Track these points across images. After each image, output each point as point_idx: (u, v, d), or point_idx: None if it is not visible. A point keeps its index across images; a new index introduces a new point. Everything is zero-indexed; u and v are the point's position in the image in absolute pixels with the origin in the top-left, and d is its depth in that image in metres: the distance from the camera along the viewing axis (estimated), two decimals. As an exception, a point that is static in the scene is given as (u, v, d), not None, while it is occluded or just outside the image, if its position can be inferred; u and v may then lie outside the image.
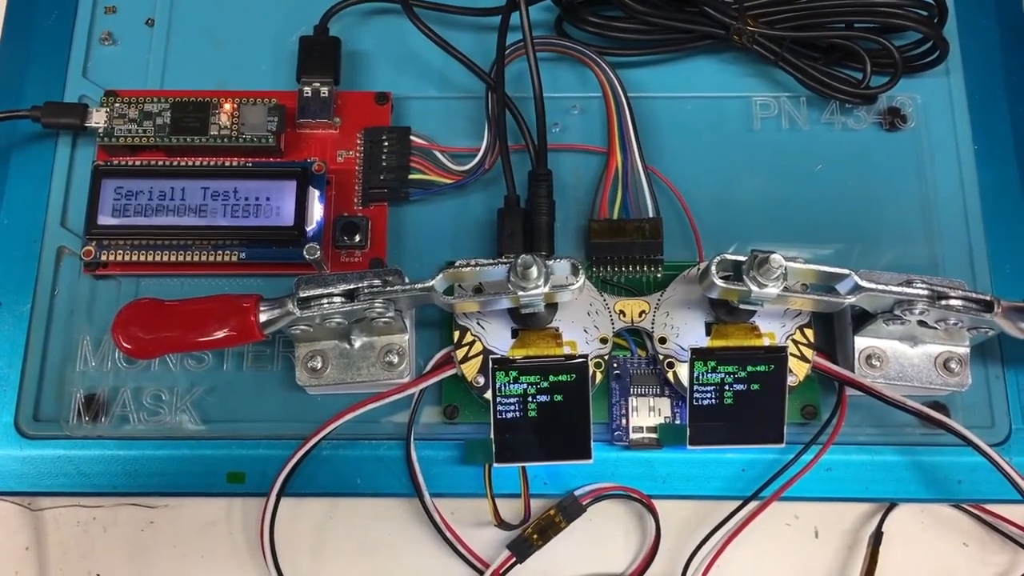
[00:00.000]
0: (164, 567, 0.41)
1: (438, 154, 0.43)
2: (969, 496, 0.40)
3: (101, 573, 0.41)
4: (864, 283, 0.35)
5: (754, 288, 0.34)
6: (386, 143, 0.43)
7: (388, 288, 0.35)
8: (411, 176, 0.42)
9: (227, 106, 0.42)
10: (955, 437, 0.37)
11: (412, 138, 0.43)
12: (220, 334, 0.36)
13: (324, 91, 0.43)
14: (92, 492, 0.40)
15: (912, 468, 0.40)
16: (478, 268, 0.35)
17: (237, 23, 0.46)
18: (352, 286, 0.35)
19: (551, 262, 0.35)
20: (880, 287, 0.35)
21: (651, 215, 0.41)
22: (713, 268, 0.35)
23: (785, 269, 0.34)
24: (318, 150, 0.43)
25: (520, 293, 0.34)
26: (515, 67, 0.44)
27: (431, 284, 0.35)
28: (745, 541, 0.39)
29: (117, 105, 0.42)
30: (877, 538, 0.41)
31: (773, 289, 0.34)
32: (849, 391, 0.39)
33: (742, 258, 0.35)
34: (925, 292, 0.35)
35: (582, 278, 0.35)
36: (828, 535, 0.42)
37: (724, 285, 0.35)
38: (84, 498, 0.41)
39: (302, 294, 0.35)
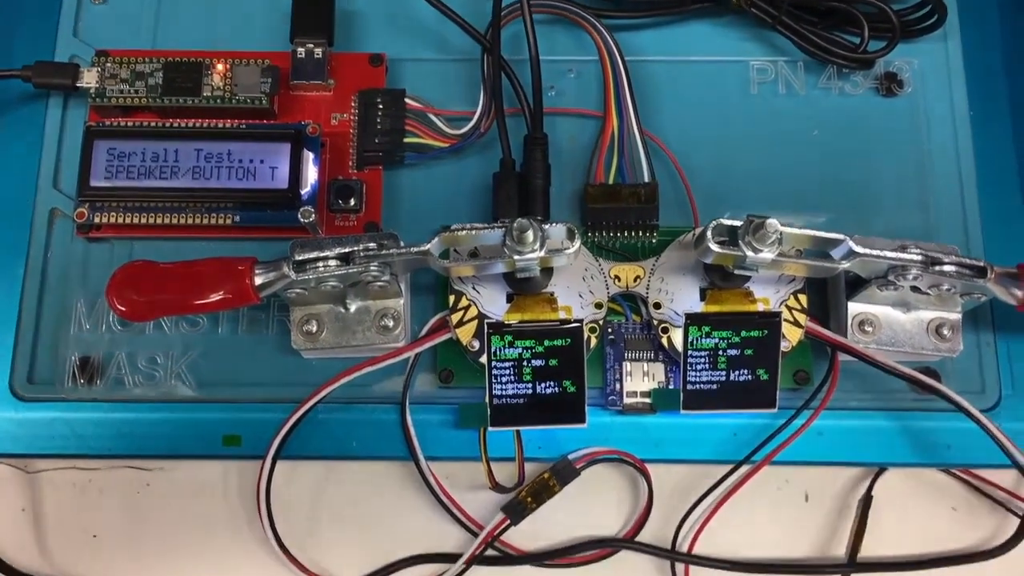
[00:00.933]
0: (160, 529, 0.41)
1: (433, 117, 0.43)
2: (958, 461, 0.41)
3: (97, 534, 0.41)
4: (858, 248, 0.35)
5: (749, 253, 0.34)
6: (380, 106, 0.42)
7: (383, 251, 0.35)
8: (406, 140, 0.42)
9: (220, 67, 0.41)
10: (945, 403, 0.38)
11: (407, 101, 0.42)
12: (216, 297, 0.36)
13: (318, 52, 0.42)
14: (88, 454, 0.40)
15: (902, 433, 0.40)
16: (474, 232, 0.35)
17: (230, -19, 0.45)
18: (347, 249, 0.35)
19: (547, 226, 0.35)
20: (874, 252, 0.35)
21: (647, 180, 0.41)
22: (709, 233, 0.35)
23: (780, 234, 0.34)
24: (312, 112, 0.42)
25: (516, 257, 0.34)
26: (511, 29, 0.43)
27: (427, 248, 0.35)
28: (736, 505, 0.40)
29: (109, 65, 0.41)
30: (867, 502, 0.42)
31: (768, 254, 0.34)
32: (841, 356, 0.39)
33: (738, 223, 0.35)
34: (919, 257, 0.35)
35: (578, 242, 0.35)
36: (818, 499, 0.42)
37: (720, 250, 0.35)
38: (80, 460, 0.41)
39: (298, 257, 0.35)
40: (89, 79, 0.41)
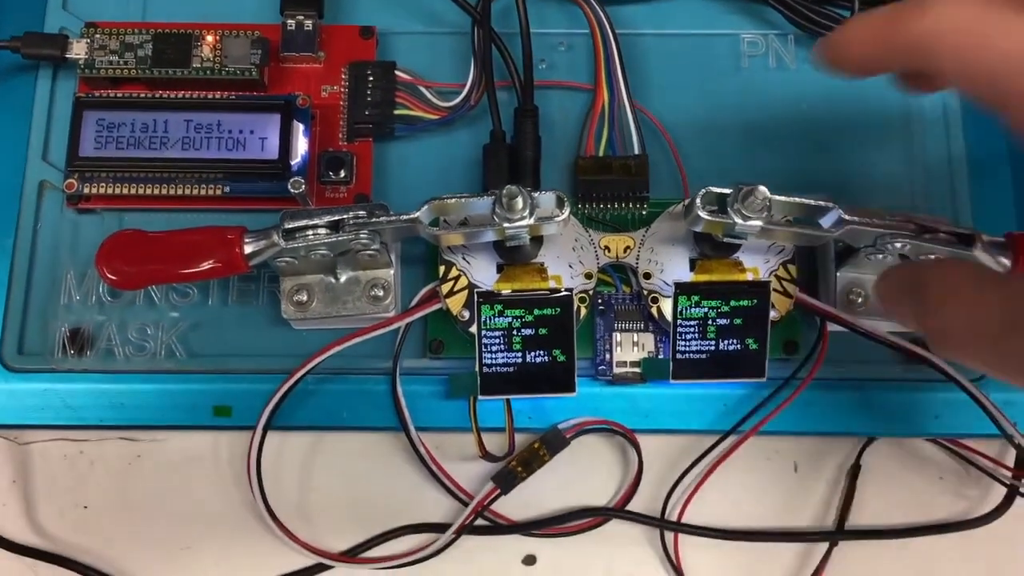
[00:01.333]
0: (151, 499, 0.41)
1: (423, 90, 0.43)
2: (945, 431, 0.41)
3: (88, 505, 0.41)
4: (847, 216, 0.35)
5: (738, 220, 0.34)
6: (371, 78, 0.42)
7: (373, 219, 0.35)
8: (396, 112, 0.42)
9: (209, 38, 0.41)
10: (933, 373, 0.38)
11: (397, 73, 0.42)
12: (205, 266, 0.36)
13: (308, 24, 0.42)
14: (78, 425, 0.40)
15: (890, 404, 0.40)
16: (463, 200, 0.35)
17: (219, -46, 0.45)
18: (337, 217, 0.35)
19: (537, 194, 0.35)
20: (863, 220, 0.35)
21: (637, 152, 0.41)
22: (698, 201, 0.35)
23: (769, 201, 0.34)
24: (302, 84, 0.42)
25: (506, 225, 0.34)
26: (503, 2, 0.43)
27: (416, 216, 0.35)
28: (726, 475, 0.40)
29: (98, 36, 0.41)
30: (855, 471, 0.42)
31: (757, 221, 0.34)
32: (830, 326, 0.39)
33: (727, 191, 0.35)
34: (908, 225, 0.35)
35: (567, 210, 0.35)
36: (807, 469, 0.42)
37: (709, 218, 0.35)
38: (71, 431, 0.41)
39: (287, 225, 0.35)
40: (78, 50, 0.41)
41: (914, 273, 0.32)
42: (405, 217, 0.35)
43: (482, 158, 0.41)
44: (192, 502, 0.41)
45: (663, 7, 0.45)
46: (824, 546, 0.41)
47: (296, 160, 0.40)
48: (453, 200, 0.35)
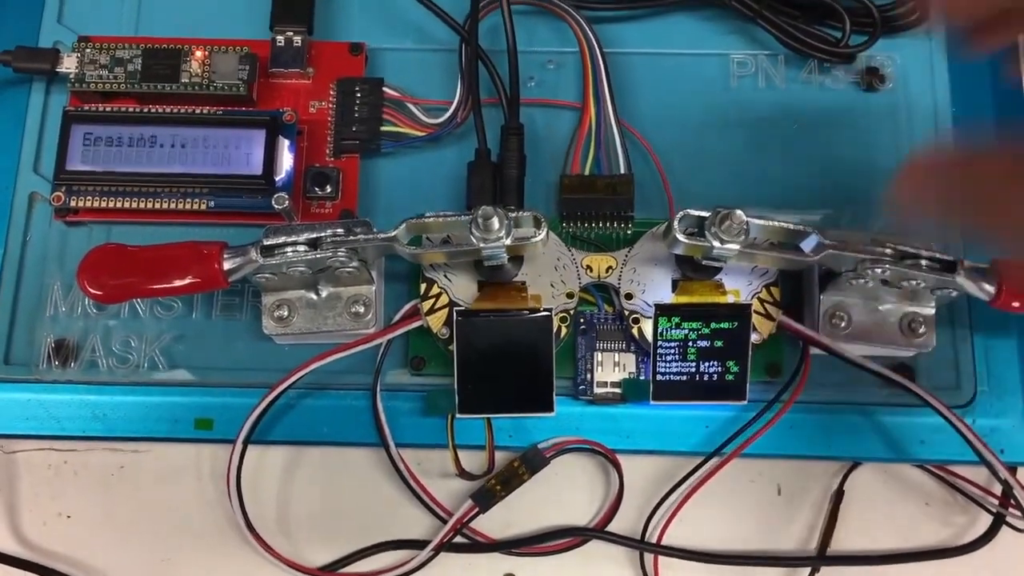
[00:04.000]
0: (133, 511, 0.42)
1: (411, 106, 0.43)
2: (931, 457, 0.40)
3: (71, 515, 0.42)
4: (827, 241, 0.35)
5: (716, 244, 0.34)
6: (359, 94, 0.42)
7: (352, 237, 0.35)
8: (383, 128, 0.42)
9: (198, 53, 0.42)
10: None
11: (385, 89, 0.43)
12: (185, 281, 0.36)
13: (297, 40, 0.42)
14: (62, 436, 0.40)
15: (875, 428, 0.40)
16: (440, 219, 0.35)
17: (212, -30, 0.46)
18: (316, 235, 0.35)
19: (514, 214, 0.35)
20: (842, 245, 0.35)
21: (623, 171, 0.41)
22: (676, 223, 0.35)
23: (747, 226, 0.34)
24: (290, 100, 0.43)
25: (482, 245, 0.34)
26: (491, 20, 0.43)
27: (394, 234, 0.35)
28: (708, 497, 0.40)
29: (89, 51, 0.42)
30: (838, 497, 0.42)
31: (734, 245, 0.34)
32: (813, 350, 0.39)
33: (705, 214, 0.35)
34: (889, 251, 0.35)
35: (545, 230, 0.35)
36: (790, 493, 0.42)
37: (687, 241, 0.35)
38: (55, 442, 0.42)
39: (266, 242, 0.35)
40: (69, 64, 0.41)
41: (957, 164, 0.29)
42: (383, 236, 0.35)
43: (466, 175, 0.41)
44: (173, 514, 0.41)
45: (652, 26, 0.45)
46: (806, 571, 0.41)
47: (280, 176, 0.40)
48: (431, 219, 0.35)
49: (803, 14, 0.44)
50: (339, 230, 0.35)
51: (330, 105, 0.43)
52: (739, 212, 0.34)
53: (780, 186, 0.43)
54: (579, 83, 0.44)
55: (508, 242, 0.34)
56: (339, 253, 0.35)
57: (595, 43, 0.43)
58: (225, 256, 0.35)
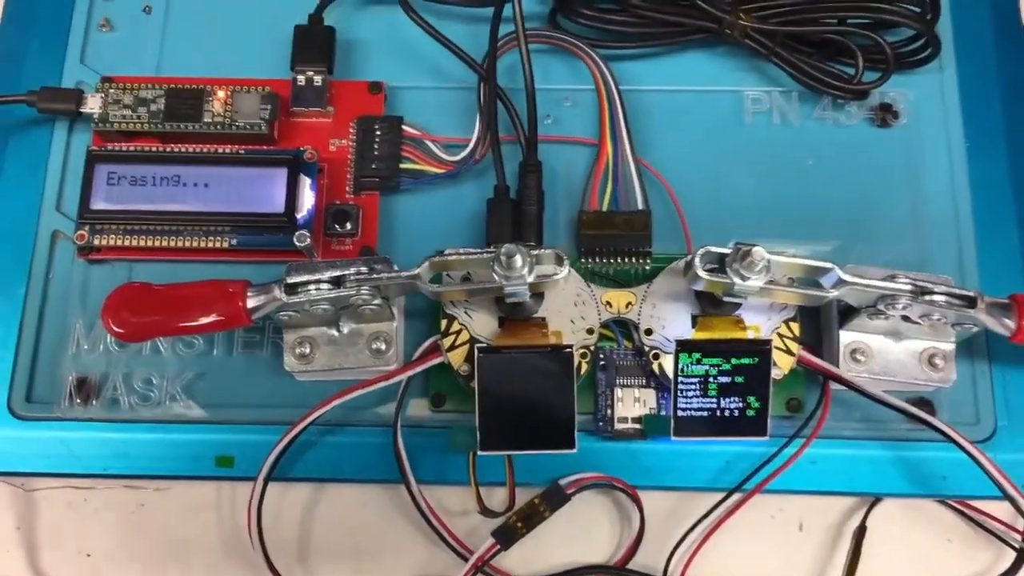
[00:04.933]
0: (153, 549, 0.41)
1: (430, 144, 0.43)
2: (953, 492, 0.40)
3: (91, 553, 0.41)
4: (847, 277, 0.35)
5: (737, 281, 0.34)
6: (378, 132, 0.43)
7: (374, 275, 0.35)
8: (403, 165, 0.43)
9: (221, 93, 0.42)
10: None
11: (404, 127, 0.43)
12: (209, 319, 0.36)
13: (318, 80, 0.43)
14: (83, 473, 0.40)
15: (896, 463, 0.40)
16: (463, 257, 0.35)
17: (233, 11, 0.46)
18: (339, 273, 0.36)
19: (536, 252, 0.35)
20: (863, 281, 0.35)
21: (640, 208, 0.41)
22: (697, 260, 0.35)
23: (768, 262, 0.34)
24: (311, 138, 0.43)
25: (504, 283, 0.35)
26: (509, 59, 0.44)
27: (416, 272, 0.35)
28: (730, 534, 0.40)
29: (112, 91, 0.42)
30: (861, 532, 0.41)
31: (756, 282, 0.34)
32: (834, 385, 0.39)
33: (726, 250, 0.35)
34: (908, 287, 0.35)
35: (566, 268, 0.35)
36: (812, 529, 0.42)
37: (708, 277, 0.35)
38: (75, 479, 0.42)
39: (290, 280, 0.36)
40: (93, 104, 0.42)
41: None
42: (406, 274, 0.35)
43: (486, 211, 0.42)
44: (194, 552, 0.41)
45: (667, 63, 0.46)
46: (830, 608, 0.41)
47: (302, 213, 0.41)
48: (453, 257, 0.35)
49: (816, 51, 0.45)
50: (362, 268, 0.36)
51: (350, 143, 0.43)
52: (759, 248, 0.34)
53: (795, 221, 0.43)
54: (595, 120, 0.44)
55: (531, 280, 0.35)
56: (362, 291, 0.35)
57: (611, 80, 0.43)
58: (249, 294, 0.36)
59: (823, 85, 0.44)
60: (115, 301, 0.36)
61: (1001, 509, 0.41)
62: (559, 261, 0.35)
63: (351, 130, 0.43)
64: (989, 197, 0.43)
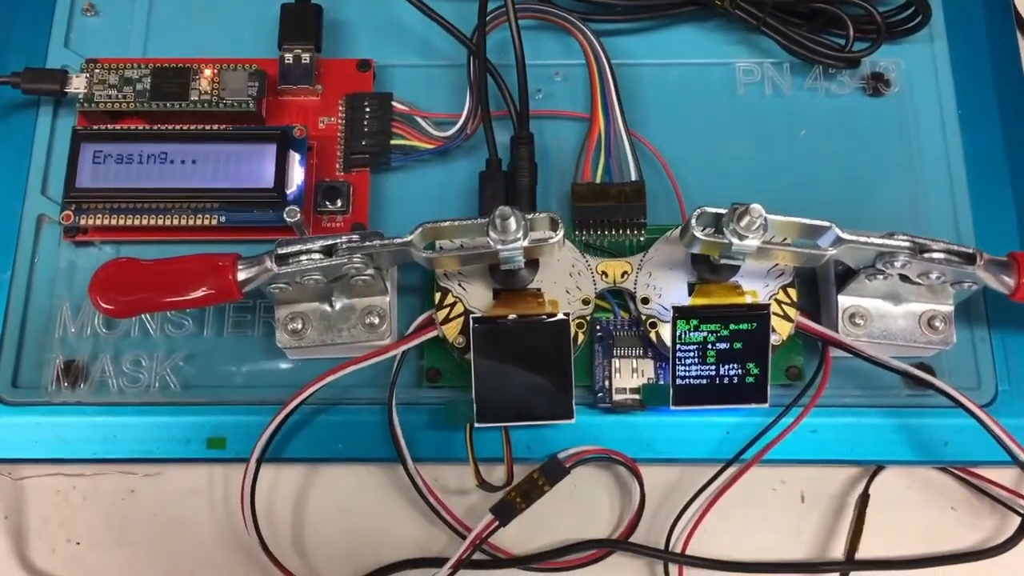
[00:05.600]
0: (144, 535, 0.41)
1: (420, 120, 0.43)
2: (956, 458, 0.40)
3: (80, 542, 0.41)
4: (845, 235, 0.34)
5: (735, 240, 0.34)
6: (368, 109, 0.42)
7: (367, 243, 0.35)
8: (393, 142, 0.42)
9: (207, 72, 0.42)
10: (941, 399, 0.37)
11: (394, 104, 0.43)
12: (199, 292, 0.35)
13: (305, 58, 0.43)
14: (72, 459, 0.39)
15: (898, 430, 0.40)
16: (456, 223, 0.35)
17: (219, -8, 0.46)
18: (331, 242, 0.35)
19: (531, 216, 0.34)
20: (861, 239, 0.35)
21: (634, 179, 0.41)
22: (694, 221, 0.34)
23: (765, 220, 0.34)
24: (300, 116, 0.43)
25: (500, 247, 0.34)
26: (499, 35, 0.43)
27: (409, 239, 0.35)
28: (732, 506, 0.39)
29: (97, 71, 0.42)
30: (864, 501, 0.41)
31: (753, 241, 0.34)
32: (833, 351, 0.38)
33: (722, 211, 0.35)
34: (907, 244, 0.35)
35: (561, 231, 0.34)
36: (814, 499, 0.41)
37: (705, 238, 0.34)
38: (64, 466, 0.41)
39: (281, 250, 0.35)
40: (77, 85, 0.41)
41: None
42: (399, 240, 0.35)
43: (478, 185, 0.41)
44: (186, 537, 0.40)
45: (658, 37, 0.45)
46: (834, 578, 0.40)
47: (292, 189, 0.40)
48: (446, 223, 0.35)
49: (806, 22, 0.44)
50: (354, 237, 0.35)
51: (339, 121, 0.43)
52: (756, 206, 0.34)
53: (789, 191, 0.43)
54: (586, 94, 0.44)
55: (525, 243, 0.34)
56: (354, 259, 0.35)
57: (603, 54, 0.43)
58: (240, 267, 0.35)
59: (814, 55, 0.43)
60: (103, 277, 0.35)
61: (1005, 475, 0.41)
62: (554, 225, 0.35)
63: (340, 108, 0.43)
64: (983, 164, 0.43)
